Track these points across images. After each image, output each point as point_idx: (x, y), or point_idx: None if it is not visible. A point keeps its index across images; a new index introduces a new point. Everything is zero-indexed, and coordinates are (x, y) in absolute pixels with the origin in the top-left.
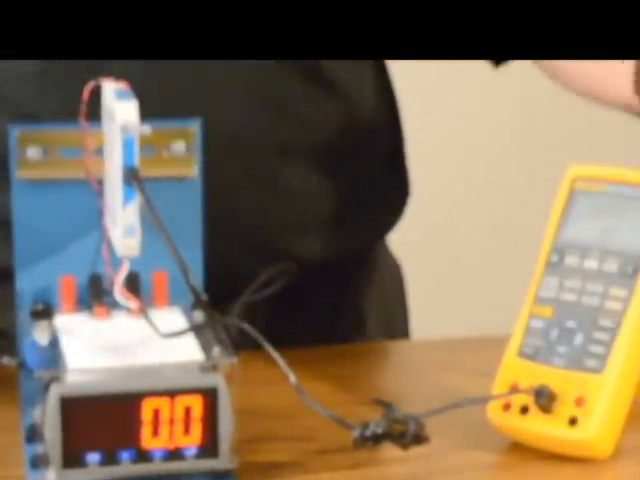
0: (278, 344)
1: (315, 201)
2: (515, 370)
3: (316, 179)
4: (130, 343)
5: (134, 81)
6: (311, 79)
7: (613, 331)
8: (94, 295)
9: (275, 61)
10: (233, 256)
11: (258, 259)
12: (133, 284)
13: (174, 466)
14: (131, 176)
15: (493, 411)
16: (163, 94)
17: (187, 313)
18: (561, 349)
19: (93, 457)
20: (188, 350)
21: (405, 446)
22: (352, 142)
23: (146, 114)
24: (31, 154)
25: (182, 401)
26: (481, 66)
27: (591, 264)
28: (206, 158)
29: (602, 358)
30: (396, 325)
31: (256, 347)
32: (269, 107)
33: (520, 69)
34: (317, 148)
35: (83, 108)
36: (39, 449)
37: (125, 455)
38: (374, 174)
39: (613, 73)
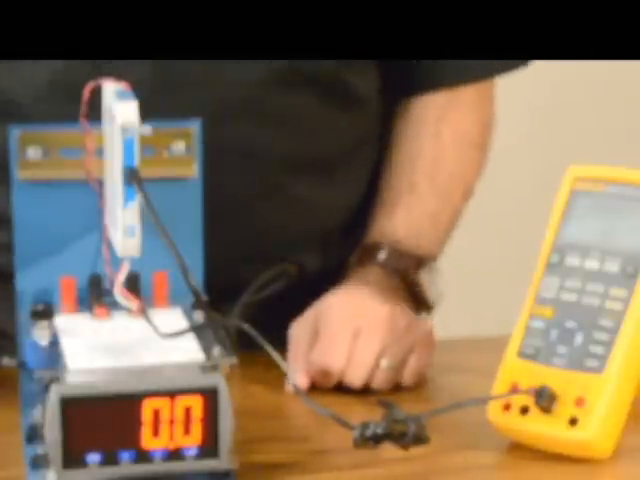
0: (277, 346)
1: (320, 212)
2: (515, 370)
3: (322, 190)
4: (130, 343)
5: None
6: (327, 94)
7: (613, 331)
8: (94, 295)
9: (291, 75)
10: (234, 265)
11: (261, 267)
12: (133, 284)
13: (174, 466)
14: (131, 176)
15: (493, 411)
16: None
17: (187, 313)
18: (561, 349)
19: (93, 457)
20: (188, 350)
21: (405, 446)
22: (360, 154)
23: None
24: (31, 154)
25: (182, 401)
26: None
27: (592, 264)
28: (210, 168)
29: (602, 358)
30: None
31: (255, 348)
32: (279, 121)
33: (520, 69)
34: (326, 161)
35: (83, 108)
36: (39, 449)
37: (125, 455)
38: (376, 184)
39: None
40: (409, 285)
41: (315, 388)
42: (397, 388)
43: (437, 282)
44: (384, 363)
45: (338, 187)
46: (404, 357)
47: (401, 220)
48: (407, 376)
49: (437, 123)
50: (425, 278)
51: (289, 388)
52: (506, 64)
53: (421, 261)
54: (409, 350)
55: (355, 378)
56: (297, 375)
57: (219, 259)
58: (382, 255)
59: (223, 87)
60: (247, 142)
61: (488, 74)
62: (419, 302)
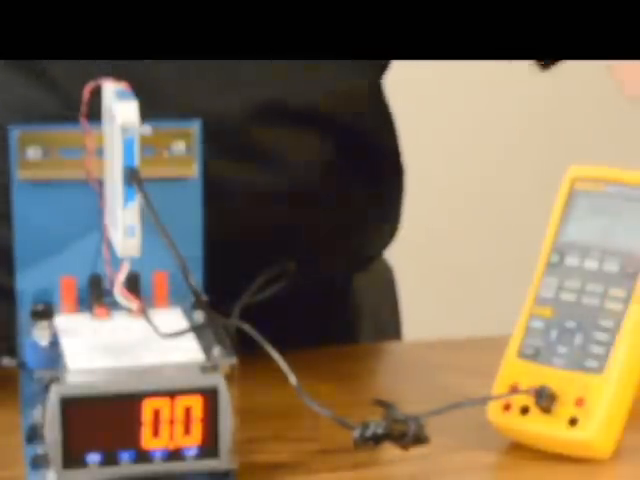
0: (276, 346)
1: (299, 236)
2: (515, 370)
3: (300, 214)
4: (130, 343)
5: None
6: (300, 122)
7: (613, 331)
8: (94, 295)
9: (260, 107)
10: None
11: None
12: (133, 284)
13: (174, 466)
14: (131, 176)
15: (493, 411)
16: None
17: (187, 313)
18: (561, 349)
19: (93, 457)
20: (188, 350)
21: (405, 446)
22: (340, 176)
23: None
24: (31, 154)
25: (182, 401)
26: (480, 67)
27: (591, 264)
28: None
29: (602, 358)
30: (387, 331)
31: (255, 350)
32: (251, 155)
33: (520, 70)
34: (303, 187)
35: (83, 108)
36: (39, 449)
37: (125, 455)
38: (362, 207)
39: None
40: None
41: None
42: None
43: None
44: None
45: (314, 215)
46: None
47: None
48: None
49: None
50: None
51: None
52: None
53: None
54: None
55: None
56: None
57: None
58: None
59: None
60: (216, 174)
61: None
62: None
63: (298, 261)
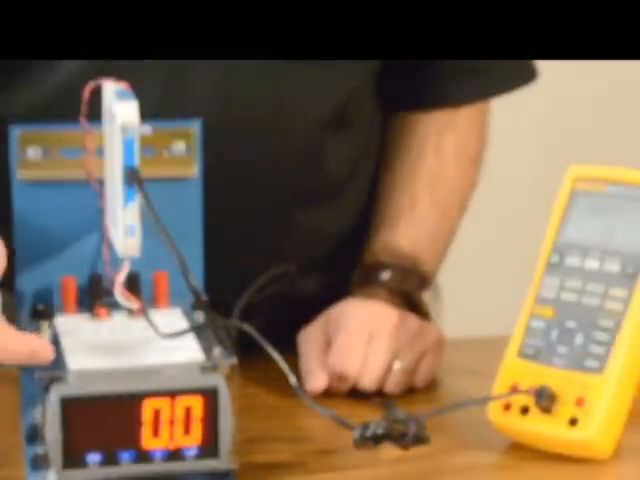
0: (277, 347)
1: (322, 238)
2: (515, 370)
3: (322, 216)
4: (130, 344)
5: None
6: (331, 124)
7: (613, 331)
8: (94, 295)
9: (296, 108)
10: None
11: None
12: (133, 284)
13: (174, 466)
14: (131, 176)
15: (493, 411)
16: None
17: (187, 313)
18: (561, 349)
19: (93, 457)
20: (188, 351)
21: (405, 446)
22: (357, 178)
23: None
24: (31, 154)
25: (182, 401)
26: None
27: (592, 264)
28: (222, 203)
29: (602, 358)
30: None
31: (256, 349)
32: (285, 153)
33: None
34: (329, 190)
35: (83, 108)
36: (39, 449)
37: (125, 455)
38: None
39: None
40: (413, 306)
41: (326, 392)
42: (408, 391)
43: (439, 299)
44: (397, 365)
45: (337, 211)
46: (416, 360)
47: (404, 238)
48: (419, 379)
49: (439, 138)
50: (427, 296)
51: (311, 387)
52: (509, 82)
53: (424, 280)
54: (421, 353)
55: (369, 381)
56: (316, 377)
57: (217, 284)
58: (386, 275)
59: (229, 119)
60: (248, 171)
61: (492, 93)
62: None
63: (321, 260)
